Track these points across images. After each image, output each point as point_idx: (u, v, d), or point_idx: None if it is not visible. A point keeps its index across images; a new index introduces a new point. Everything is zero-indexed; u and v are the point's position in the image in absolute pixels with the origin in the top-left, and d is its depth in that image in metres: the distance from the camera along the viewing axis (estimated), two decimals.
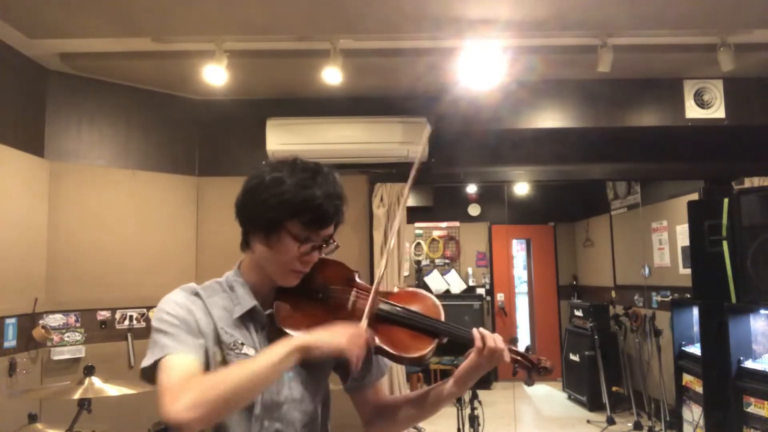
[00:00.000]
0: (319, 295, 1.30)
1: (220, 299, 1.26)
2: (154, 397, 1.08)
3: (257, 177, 1.25)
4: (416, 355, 1.26)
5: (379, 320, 1.29)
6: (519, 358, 1.31)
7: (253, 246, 1.27)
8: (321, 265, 1.30)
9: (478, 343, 1.27)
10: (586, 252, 7.58)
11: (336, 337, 1.13)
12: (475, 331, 1.29)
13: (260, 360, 1.10)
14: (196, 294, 1.25)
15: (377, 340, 1.26)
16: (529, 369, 1.32)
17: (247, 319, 1.25)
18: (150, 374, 1.15)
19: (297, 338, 1.13)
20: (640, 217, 5.95)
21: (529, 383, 1.31)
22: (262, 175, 1.24)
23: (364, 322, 1.21)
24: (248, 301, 1.25)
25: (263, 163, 1.29)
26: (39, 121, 3.71)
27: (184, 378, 1.10)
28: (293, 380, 1.26)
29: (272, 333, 1.26)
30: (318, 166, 1.25)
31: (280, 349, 1.10)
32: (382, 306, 1.31)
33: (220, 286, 1.29)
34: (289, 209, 1.20)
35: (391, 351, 1.26)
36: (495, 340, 1.27)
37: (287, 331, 1.22)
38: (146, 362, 1.16)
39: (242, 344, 1.22)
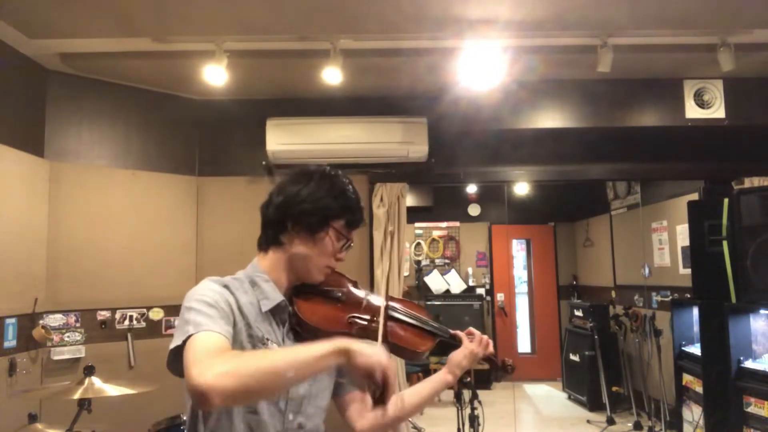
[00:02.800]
0: (337, 294, 1.41)
1: (243, 294, 1.28)
2: (183, 382, 1.02)
3: (300, 182, 1.34)
4: (421, 349, 1.43)
5: (389, 318, 1.43)
6: (493, 357, 1.58)
7: (288, 243, 1.33)
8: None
9: (460, 334, 1.53)
10: (586, 252, 7.58)
11: (378, 353, 1.14)
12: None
13: (302, 350, 1.08)
14: (226, 286, 1.27)
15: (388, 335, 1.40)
16: (496, 367, 1.61)
17: (271, 313, 1.30)
18: (176, 361, 1.10)
19: (342, 341, 1.12)
20: (640, 217, 5.95)
21: (495, 379, 1.60)
22: (303, 180, 1.35)
23: (380, 346, 1.26)
24: (276, 296, 1.31)
25: (297, 171, 1.39)
26: (39, 121, 3.71)
27: (218, 351, 1.07)
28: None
29: (292, 330, 1.33)
30: (348, 178, 1.41)
31: (323, 346, 1.09)
32: (392, 305, 1.48)
33: (239, 282, 1.31)
34: (340, 209, 1.34)
35: (399, 344, 1.40)
36: (480, 334, 1.54)
37: (310, 324, 1.30)
38: (176, 341, 1.12)
39: (267, 339, 1.26)
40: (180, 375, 1.08)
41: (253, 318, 1.26)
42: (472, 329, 1.55)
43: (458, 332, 1.54)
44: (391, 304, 1.47)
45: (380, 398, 1.18)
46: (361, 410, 1.44)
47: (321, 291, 1.38)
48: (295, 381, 1.12)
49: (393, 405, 1.34)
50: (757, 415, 3.53)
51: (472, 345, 1.50)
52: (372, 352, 1.13)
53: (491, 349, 1.55)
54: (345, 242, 1.36)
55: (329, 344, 1.09)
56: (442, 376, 1.49)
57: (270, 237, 1.35)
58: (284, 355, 1.09)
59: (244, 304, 1.26)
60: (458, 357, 1.49)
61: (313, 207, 1.31)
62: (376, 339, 1.36)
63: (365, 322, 1.36)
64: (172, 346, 1.13)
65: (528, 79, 4.02)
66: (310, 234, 1.32)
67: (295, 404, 1.28)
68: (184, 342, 1.10)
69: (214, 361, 1.02)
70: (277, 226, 1.34)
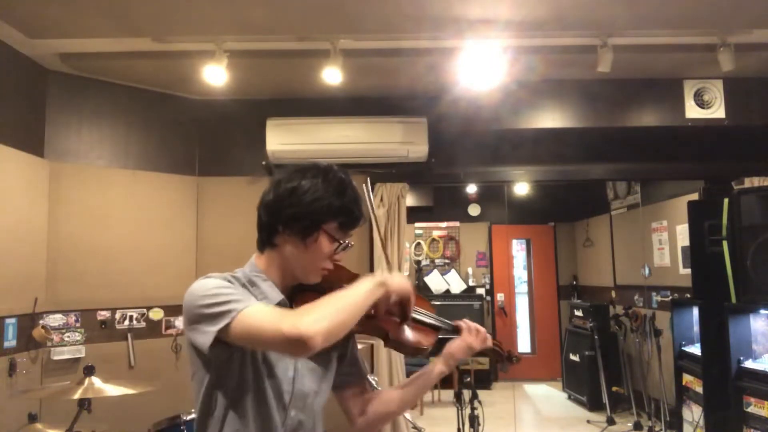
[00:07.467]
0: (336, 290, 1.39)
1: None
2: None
3: (292, 180, 1.30)
4: (425, 345, 1.44)
5: (390, 313, 1.40)
6: (496, 348, 1.62)
7: (282, 245, 1.30)
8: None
9: (462, 325, 1.53)
10: (586, 252, 7.58)
11: (402, 280, 1.28)
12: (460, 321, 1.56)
13: (352, 291, 1.19)
14: (229, 281, 1.25)
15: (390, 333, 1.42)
16: (502, 357, 1.65)
17: None
18: (217, 346, 1.14)
19: (375, 275, 1.23)
20: (640, 217, 5.95)
21: (504, 369, 1.67)
22: (296, 178, 1.30)
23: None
24: (275, 295, 1.30)
25: (292, 169, 1.33)
26: (39, 121, 3.71)
27: (283, 311, 1.15)
28: (313, 373, 1.32)
29: None
30: (346, 174, 1.35)
31: (365, 284, 1.21)
32: None
33: (237, 281, 1.29)
34: (331, 212, 1.28)
35: (401, 340, 1.40)
36: (477, 326, 1.54)
37: None
38: (219, 324, 1.12)
39: None
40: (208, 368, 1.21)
41: None
42: (466, 321, 1.55)
43: (459, 323, 1.54)
44: None
45: (402, 317, 1.35)
46: (360, 404, 1.46)
47: (319, 289, 1.34)
48: (358, 316, 1.18)
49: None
50: (757, 415, 3.52)
51: (470, 338, 1.51)
52: (398, 279, 1.27)
53: (490, 342, 1.55)
54: (340, 244, 1.32)
55: (368, 280, 1.22)
56: (437, 367, 1.49)
57: (264, 239, 1.33)
58: (343, 297, 1.17)
59: None
60: (454, 348, 1.49)
61: (303, 211, 1.27)
62: (378, 335, 1.39)
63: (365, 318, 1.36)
64: (215, 328, 1.13)
65: (528, 79, 4.02)
66: (301, 238, 1.28)
67: (300, 400, 1.28)
68: (229, 323, 1.13)
69: (296, 315, 1.10)
70: (269, 229, 1.31)
